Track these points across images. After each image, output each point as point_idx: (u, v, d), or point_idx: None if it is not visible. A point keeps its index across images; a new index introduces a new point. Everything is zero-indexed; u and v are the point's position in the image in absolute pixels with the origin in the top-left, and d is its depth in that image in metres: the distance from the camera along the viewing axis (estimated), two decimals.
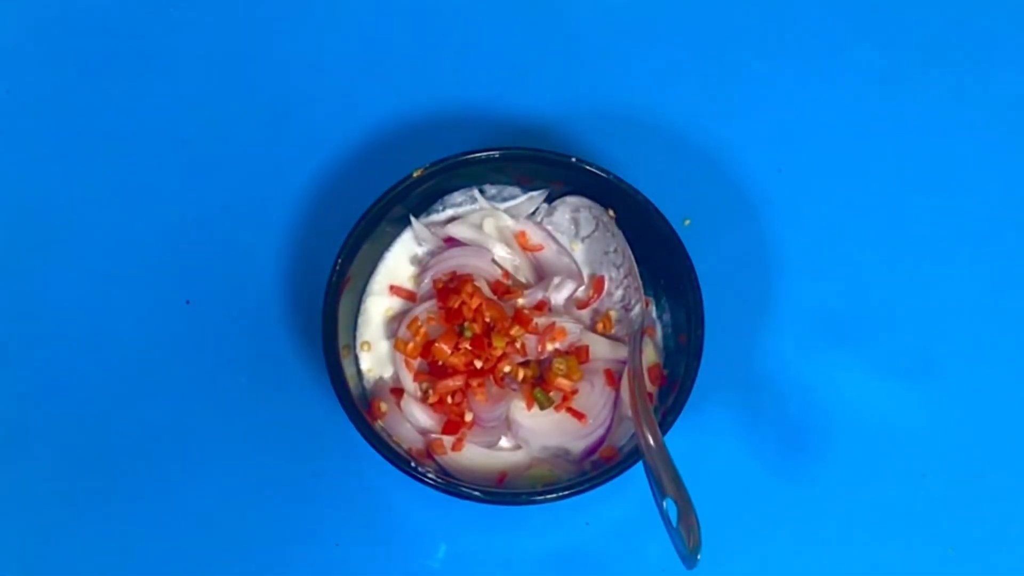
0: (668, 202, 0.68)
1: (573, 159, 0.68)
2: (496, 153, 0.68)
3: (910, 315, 0.73)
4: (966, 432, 0.71)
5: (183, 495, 0.69)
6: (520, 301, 0.68)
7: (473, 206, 0.71)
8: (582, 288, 0.70)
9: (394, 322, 0.69)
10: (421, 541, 0.69)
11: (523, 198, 0.71)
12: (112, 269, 0.72)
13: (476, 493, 0.63)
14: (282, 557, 0.69)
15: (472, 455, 0.67)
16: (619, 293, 0.70)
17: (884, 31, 0.79)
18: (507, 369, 0.67)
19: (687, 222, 0.73)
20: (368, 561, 0.69)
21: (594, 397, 0.67)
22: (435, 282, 0.69)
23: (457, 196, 0.70)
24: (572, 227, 0.71)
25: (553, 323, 0.68)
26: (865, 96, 0.78)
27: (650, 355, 0.69)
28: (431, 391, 0.67)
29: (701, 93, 0.77)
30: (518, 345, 0.67)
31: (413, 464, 0.64)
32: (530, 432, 0.67)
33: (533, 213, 0.71)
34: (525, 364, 0.68)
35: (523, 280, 0.70)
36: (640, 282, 0.69)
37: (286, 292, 0.72)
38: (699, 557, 0.59)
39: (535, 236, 0.70)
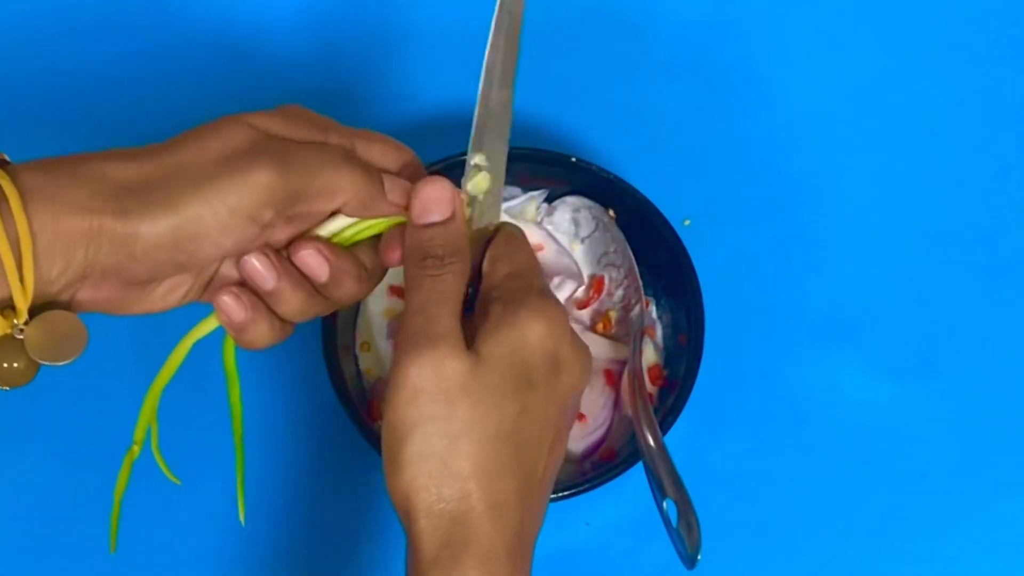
0: (668, 202, 0.68)
1: (573, 159, 0.68)
2: None
3: (910, 315, 0.73)
4: (966, 432, 0.71)
5: (180, 496, 0.69)
6: None
7: None
8: (582, 288, 0.70)
9: (394, 322, 0.69)
10: None
11: (523, 198, 0.71)
12: None
13: None
14: (280, 557, 0.69)
15: None
16: (619, 293, 0.70)
17: (884, 30, 0.79)
18: None
19: (687, 222, 0.73)
20: (367, 562, 0.69)
21: (594, 397, 0.67)
22: None
23: None
24: (572, 227, 0.71)
25: None
26: (865, 95, 0.78)
27: (650, 355, 0.69)
28: None
29: (701, 93, 0.77)
30: None
31: None
32: None
33: None
34: None
35: None
36: (640, 282, 0.69)
37: None
38: (699, 557, 0.59)
39: (535, 236, 0.70)
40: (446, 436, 0.46)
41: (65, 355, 0.47)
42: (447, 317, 0.48)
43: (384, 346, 0.69)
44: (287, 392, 0.71)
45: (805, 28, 0.79)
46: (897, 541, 0.69)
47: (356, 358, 0.69)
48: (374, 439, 0.64)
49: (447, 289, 0.49)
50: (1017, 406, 0.72)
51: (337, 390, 0.64)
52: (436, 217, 0.50)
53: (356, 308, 0.69)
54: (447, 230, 0.50)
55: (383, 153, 0.52)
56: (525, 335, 0.48)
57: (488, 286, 0.51)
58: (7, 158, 0.46)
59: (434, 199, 0.50)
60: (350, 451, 0.69)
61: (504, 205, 0.71)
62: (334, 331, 0.66)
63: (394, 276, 0.70)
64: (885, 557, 0.69)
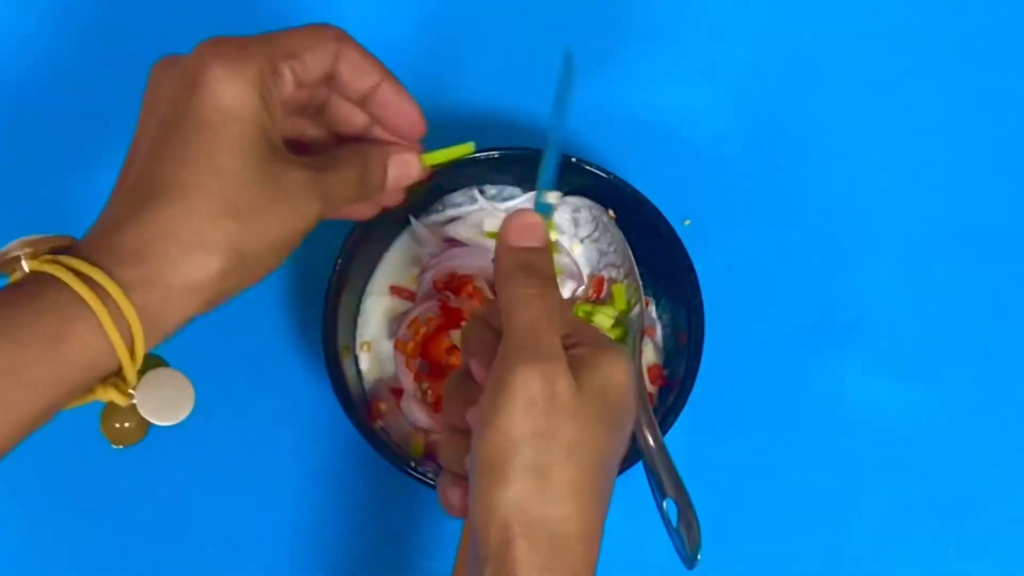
0: (668, 202, 0.68)
1: (573, 159, 0.68)
2: (496, 153, 0.68)
3: (911, 315, 0.73)
4: (966, 432, 0.71)
5: (180, 495, 0.69)
6: None
7: (473, 206, 0.70)
8: (582, 288, 0.70)
9: (394, 322, 0.69)
10: (421, 542, 0.70)
11: (523, 198, 0.71)
12: None
13: None
14: (281, 557, 0.69)
15: None
16: None
17: (884, 30, 0.79)
18: None
19: (687, 222, 0.73)
20: (368, 562, 0.69)
21: None
22: (435, 283, 0.69)
23: (457, 196, 0.70)
24: (572, 227, 0.71)
25: None
26: (865, 95, 0.78)
27: (650, 355, 0.69)
28: (431, 391, 0.67)
29: (701, 93, 0.77)
30: None
31: (413, 464, 0.64)
32: None
33: None
34: None
35: None
36: (640, 282, 0.69)
37: (286, 292, 0.72)
38: (699, 557, 0.59)
39: None
40: (555, 453, 0.46)
41: (174, 415, 0.48)
42: (555, 338, 0.48)
43: (384, 346, 0.69)
44: (287, 393, 0.71)
45: (806, 28, 0.79)
46: (898, 541, 0.69)
47: (356, 358, 0.69)
48: (374, 439, 0.64)
49: (553, 309, 0.49)
50: (1017, 406, 0.72)
51: (337, 390, 0.64)
52: (533, 243, 0.51)
53: (356, 308, 0.70)
54: (544, 256, 0.51)
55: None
56: (612, 377, 0.48)
57: (565, 331, 0.51)
58: (72, 240, 0.46)
59: (530, 225, 0.52)
60: (350, 451, 0.69)
61: (504, 205, 0.71)
62: (334, 331, 0.66)
63: (395, 276, 0.70)
64: (886, 557, 0.69)
